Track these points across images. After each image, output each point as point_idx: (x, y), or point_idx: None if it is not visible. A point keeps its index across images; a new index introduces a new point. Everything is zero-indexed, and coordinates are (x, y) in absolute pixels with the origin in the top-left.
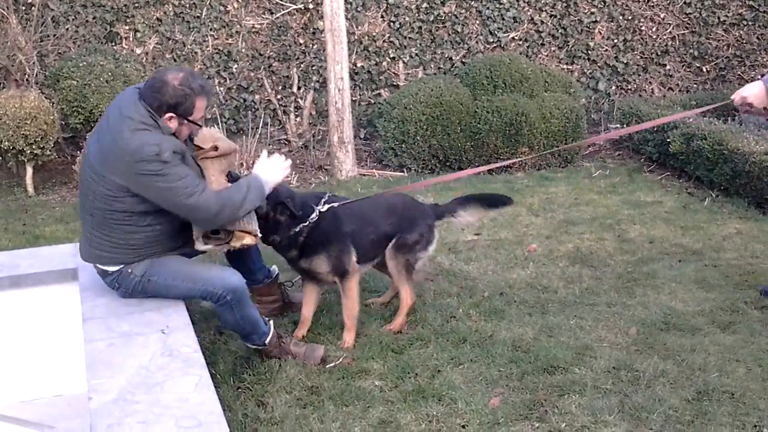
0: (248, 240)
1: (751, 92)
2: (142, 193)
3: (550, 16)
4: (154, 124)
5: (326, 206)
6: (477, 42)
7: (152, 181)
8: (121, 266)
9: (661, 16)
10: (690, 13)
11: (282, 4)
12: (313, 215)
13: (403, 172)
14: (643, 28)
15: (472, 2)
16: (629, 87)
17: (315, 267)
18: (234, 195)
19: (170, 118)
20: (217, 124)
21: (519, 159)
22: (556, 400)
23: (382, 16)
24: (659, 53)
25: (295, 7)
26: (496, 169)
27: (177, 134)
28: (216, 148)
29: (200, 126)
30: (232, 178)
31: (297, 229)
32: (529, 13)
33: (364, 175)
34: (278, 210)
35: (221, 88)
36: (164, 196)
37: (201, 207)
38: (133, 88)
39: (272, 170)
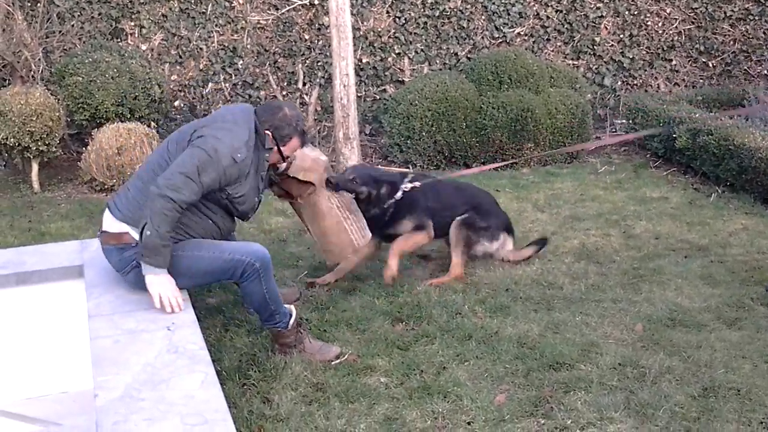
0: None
1: None
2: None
3: (556, 11)
4: (255, 134)
5: (410, 185)
6: (482, 37)
7: (194, 144)
8: None
9: (667, 11)
10: (696, 8)
11: (287, 0)
12: (398, 194)
13: (408, 168)
14: (649, 23)
15: None
16: (635, 82)
17: (399, 229)
18: (160, 223)
19: (267, 135)
20: None
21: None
22: (562, 396)
23: (387, 12)
24: (665, 48)
25: (300, 2)
26: (501, 165)
27: None
28: (313, 184)
29: (284, 161)
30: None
31: (385, 206)
32: (534, 9)
33: None
34: (374, 193)
35: (226, 84)
36: (181, 158)
37: (172, 188)
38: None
39: (159, 282)
